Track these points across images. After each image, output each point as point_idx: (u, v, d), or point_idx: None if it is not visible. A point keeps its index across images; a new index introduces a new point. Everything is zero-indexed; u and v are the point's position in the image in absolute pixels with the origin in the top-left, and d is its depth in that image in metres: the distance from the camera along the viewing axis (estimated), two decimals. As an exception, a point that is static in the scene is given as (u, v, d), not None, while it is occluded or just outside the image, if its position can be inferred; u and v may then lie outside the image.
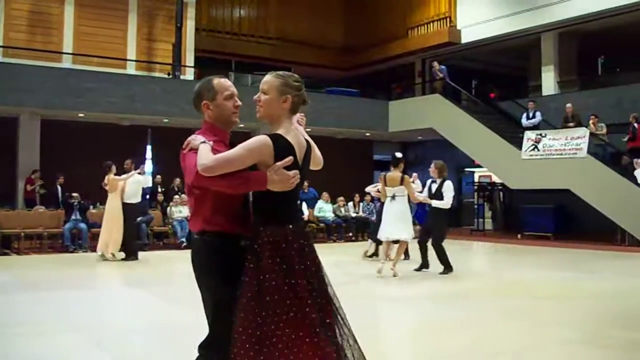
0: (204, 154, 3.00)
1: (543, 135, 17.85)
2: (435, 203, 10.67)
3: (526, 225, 18.52)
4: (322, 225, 18.39)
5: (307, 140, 3.32)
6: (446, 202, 10.54)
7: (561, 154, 17.15)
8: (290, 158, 3.05)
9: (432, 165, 10.94)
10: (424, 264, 11.04)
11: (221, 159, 2.99)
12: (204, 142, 3.08)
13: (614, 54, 21.66)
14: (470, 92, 23.17)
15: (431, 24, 23.75)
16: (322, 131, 22.73)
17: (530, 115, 18.90)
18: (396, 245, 10.64)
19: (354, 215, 18.90)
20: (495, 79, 25.20)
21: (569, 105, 18.13)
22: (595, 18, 19.64)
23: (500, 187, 20.99)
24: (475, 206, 21.75)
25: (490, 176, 20.37)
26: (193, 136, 3.17)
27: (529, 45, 22.13)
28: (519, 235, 18.22)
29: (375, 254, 12.85)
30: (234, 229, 3.18)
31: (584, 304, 8.37)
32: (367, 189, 13.66)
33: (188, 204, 3.38)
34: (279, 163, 3.01)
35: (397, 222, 10.22)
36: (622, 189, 15.86)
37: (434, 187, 10.83)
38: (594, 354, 5.80)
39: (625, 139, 17.08)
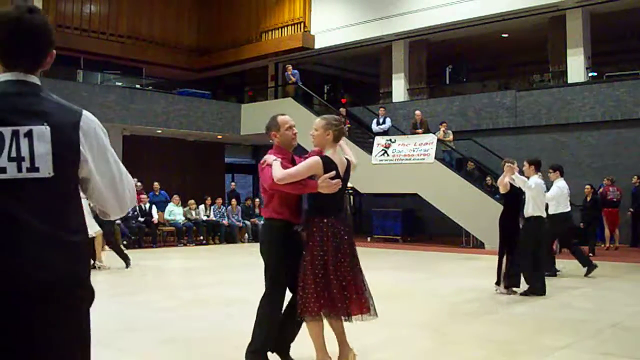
0: (276, 168, 4.41)
1: (392, 141, 18.12)
2: None
3: (376, 228, 18.68)
4: (172, 228, 17.54)
5: (347, 159, 4.76)
6: None
7: (409, 159, 17.46)
8: (333, 172, 4.48)
9: None
10: None
11: (288, 174, 4.41)
12: (275, 159, 4.50)
13: (461, 64, 22.43)
14: (322, 97, 23.27)
15: (285, 28, 23.68)
16: (172, 133, 22.06)
17: (381, 121, 19.16)
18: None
19: (204, 218, 18.24)
20: (347, 85, 25.48)
21: (417, 112, 18.54)
22: (443, 29, 20.30)
23: (351, 191, 21.14)
24: (327, 211, 21.65)
25: (341, 180, 20.43)
26: (268, 155, 4.59)
27: (380, 52, 22.51)
28: (368, 238, 18.35)
29: None
30: (292, 218, 4.64)
31: (429, 302, 8.37)
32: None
33: (264, 198, 4.85)
34: (325, 175, 4.45)
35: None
36: (467, 193, 16.32)
37: None
38: (444, 350, 5.77)
39: None
